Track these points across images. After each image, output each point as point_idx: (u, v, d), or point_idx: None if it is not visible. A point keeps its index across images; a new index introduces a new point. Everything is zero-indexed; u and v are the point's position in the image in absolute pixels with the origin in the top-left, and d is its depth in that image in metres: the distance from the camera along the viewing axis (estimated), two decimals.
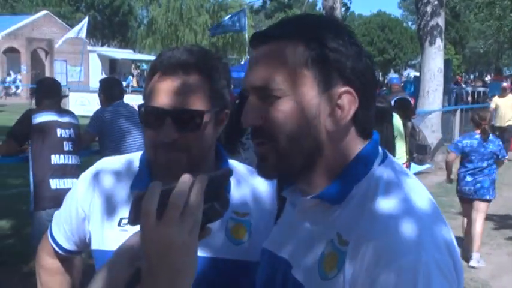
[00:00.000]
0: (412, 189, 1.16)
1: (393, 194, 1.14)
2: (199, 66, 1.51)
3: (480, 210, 7.15)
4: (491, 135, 7.21)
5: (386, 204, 1.12)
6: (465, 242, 7.28)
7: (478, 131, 7.06)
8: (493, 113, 13.75)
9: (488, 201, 7.19)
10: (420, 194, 1.16)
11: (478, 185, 7.08)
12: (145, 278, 1.00)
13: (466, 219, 7.40)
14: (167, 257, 0.97)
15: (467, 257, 6.94)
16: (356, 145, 1.21)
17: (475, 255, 7.01)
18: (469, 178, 7.11)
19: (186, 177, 1.00)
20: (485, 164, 7.04)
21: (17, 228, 6.12)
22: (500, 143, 7.35)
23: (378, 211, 1.11)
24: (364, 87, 1.17)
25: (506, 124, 15.36)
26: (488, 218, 9.21)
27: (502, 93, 15.96)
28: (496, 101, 15.89)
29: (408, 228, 1.07)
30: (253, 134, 1.21)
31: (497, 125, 15.01)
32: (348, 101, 1.16)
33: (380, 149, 1.25)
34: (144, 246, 1.00)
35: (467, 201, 7.27)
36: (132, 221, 1.04)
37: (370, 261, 1.05)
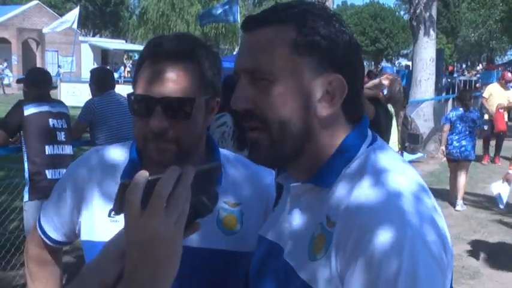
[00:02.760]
0: (398, 170, 1.17)
1: (379, 175, 1.15)
2: (189, 53, 1.50)
3: (464, 167, 9.30)
4: (471, 108, 9.44)
5: (372, 184, 1.13)
6: (451, 191, 9.56)
7: (460, 105, 9.40)
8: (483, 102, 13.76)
9: (470, 161, 9.45)
10: (407, 174, 1.17)
11: (463, 148, 9.17)
12: (127, 269, 0.98)
13: (453, 177, 9.46)
14: (150, 249, 0.95)
15: (453, 203, 9.28)
16: (345, 130, 1.23)
17: (459, 202, 9.18)
18: (456, 143, 9.17)
19: (173, 169, 1.00)
20: (467, 131, 9.16)
21: (8, 220, 6.10)
22: (479, 113, 9.80)
23: (364, 192, 1.12)
24: (353, 75, 1.20)
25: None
26: (481, 207, 9.31)
27: (500, 81, 14.01)
28: (491, 89, 13.89)
29: (394, 207, 1.08)
30: (244, 117, 1.21)
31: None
32: (338, 88, 1.18)
33: (369, 131, 1.27)
34: (127, 237, 0.98)
35: (453, 161, 9.35)
36: (117, 210, 1.02)
37: (355, 240, 1.06)
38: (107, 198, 1.61)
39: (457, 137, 9.17)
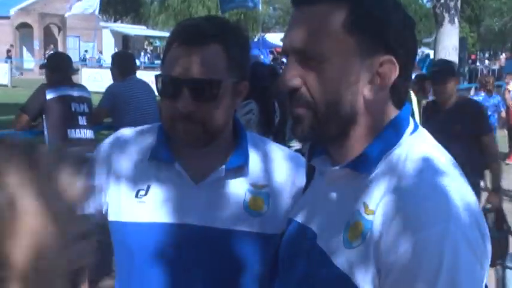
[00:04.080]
0: (441, 161, 1.14)
1: (422, 165, 1.12)
2: (218, 35, 1.49)
3: None
4: (493, 93, 10.11)
5: (414, 175, 1.10)
6: None
7: (483, 91, 10.06)
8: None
9: None
10: (450, 166, 1.14)
11: None
12: None
13: None
14: None
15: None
16: (390, 114, 1.19)
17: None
18: None
19: None
20: (489, 113, 9.22)
21: None
22: (499, 98, 10.40)
23: (407, 181, 1.10)
24: (405, 56, 1.16)
25: None
26: (505, 198, 9.22)
27: None
28: None
29: (437, 200, 1.06)
30: (290, 96, 1.19)
31: None
32: (388, 70, 1.14)
33: (411, 119, 1.23)
34: None
35: None
36: None
37: (397, 231, 1.04)
38: (134, 179, 1.62)
39: None
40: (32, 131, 5.37)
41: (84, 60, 33.34)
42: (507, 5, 34.59)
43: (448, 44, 14.52)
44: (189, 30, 1.50)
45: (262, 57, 13.70)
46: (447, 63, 5.80)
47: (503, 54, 45.41)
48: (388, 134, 1.17)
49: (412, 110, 5.49)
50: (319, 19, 1.14)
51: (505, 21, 42.45)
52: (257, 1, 17.93)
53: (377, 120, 1.18)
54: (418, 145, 1.17)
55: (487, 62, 39.01)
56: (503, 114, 10.47)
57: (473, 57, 39.39)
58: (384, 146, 1.17)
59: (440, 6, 14.56)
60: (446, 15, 14.44)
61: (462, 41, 17.14)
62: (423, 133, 1.22)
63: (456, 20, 14.58)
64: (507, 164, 11.56)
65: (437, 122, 4.74)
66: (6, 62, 31.21)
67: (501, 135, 12.73)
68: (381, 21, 1.13)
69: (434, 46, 16.82)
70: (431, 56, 16.96)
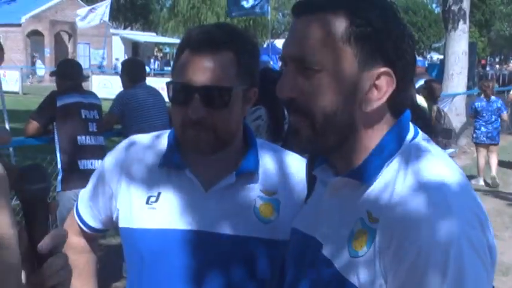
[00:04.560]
0: (443, 166, 1.14)
1: (424, 171, 1.12)
2: (228, 43, 1.50)
3: (494, 150, 10.62)
4: (492, 96, 10.54)
5: (417, 180, 1.10)
6: (478, 171, 10.70)
7: (483, 95, 10.58)
8: None
9: (497, 144, 10.71)
10: (452, 171, 1.14)
11: (489, 134, 10.46)
12: None
13: (482, 159, 10.62)
14: None
15: (486, 182, 10.53)
16: (388, 124, 1.19)
17: (494, 174, 10.42)
18: (483, 129, 10.45)
19: None
20: (493, 118, 10.42)
21: None
22: (501, 101, 10.85)
23: (409, 187, 1.09)
24: (404, 68, 1.15)
25: None
26: None
27: None
28: None
29: (440, 204, 1.05)
30: (287, 106, 1.19)
31: None
32: (386, 83, 1.14)
33: (411, 125, 1.23)
34: None
35: (482, 146, 10.57)
36: None
37: (401, 237, 1.04)
38: (144, 185, 1.62)
39: (483, 123, 10.46)
40: (42, 138, 5.38)
41: (100, 67, 33.54)
42: None
43: (457, 49, 14.49)
44: (200, 37, 1.51)
45: (271, 63, 13.70)
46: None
47: None
48: (388, 143, 1.17)
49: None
50: (319, 28, 1.14)
51: None
52: (266, 8, 17.97)
53: (376, 129, 1.18)
54: (417, 151, 1.17)
55: (497, 66, 38.82)
56: (505, 116, 10.83)
57: (483, 62, 39.22)
58: (385, 154, 1.17)
59: (449, 11, 14.53)
60: (455, 20, 14.41)
61: (472, 46, 17.10)
62: (424, 138, 1.22)
63: (466, 25, 14.56)
64: None
65: None
66: (31, 68, 31.37)
67: (503, 144, 12.66)
68: (380, 32, 1.12)
69: (444, 51, 16.78)
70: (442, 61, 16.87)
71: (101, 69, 31.15)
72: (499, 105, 10.60)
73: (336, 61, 1.13)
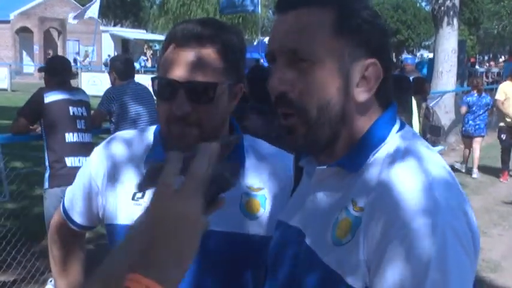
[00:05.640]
0: (428, 157, 1.15)
1: (409, 161, 1.12)
2: (214, 38, 1.49)
3: (478, 142, 11.12)
4: (483, 92, 11.27)
5: (402, 170, 1.11)
6: (464, 161, 11.51)
7: (475, 91, 11.10)
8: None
9: (483, 136, 11.25)
10: (436, 162, 1.15)
11: (477, 126, 10.97)
12: (146, 247, 0.94)
13: (467, 150, 11.39)
14: (177, 229, 0.93)
15: (470, 172, 11.16)
16: (376, 114, 1.20)
17: (475, 170, 11.04)
18: (471, 122, 10.95)
19: (205, 146, 0.98)
20: (481, 111, 10.92)
21: (28, 208, 6.15)
22: (489, 97, 11.43)
23: (394, 177, 1.10)
24: (387, 59, 1.18)
25: None
26: (501, 199, 9.23)
27: None
28: (504, 89, 11.03)
29: (424, 195, 1.06)
30: (278, 102, 1.18)
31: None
32: (374, 73, 1.16)
33: (398, 117, 1.24)
34: (153, 216, 0.95)
35: (468, 137, 11.18)
36: (142, 187, 1.02)
37: (385, 226, 1.05)
38: (130, 182, 1.62)
39: (472, 117, 10.94)
40: (30, 135, 5.36)
41: (75, 61, 33.00)
42: (506, 8, 34.62)
43: (447, 46, 14.55)
44: (186, 33, 1.49)
45: (262, 60, 13.70)
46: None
47: (503, 57, 45.44)
48: (374, 133, 1.18)
49: (412, 111, 5.48)
50: (310, 21, 1.14)
51: (504, 25, 42.49)
52: (256, 5, 17.94)
53: (365, 121, 1.19)
54: (404, 142, 1.18)
55: (487, 64, 39.07)
56: (491, 111, 11.37)
57: (472, 60, 39.41)
58: (371, 144, 1.18)
59: (439, 9, 14.59)
60: (445, 18, 14.47)
61: (461, 44, 17.17)
62: (409, 130, 1.24)
63: (455, 23, 14.62)
64: (502, 182, 10.75)
65: None
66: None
67: (492, 141, 12.76)
68: (367, 25, 1.15)
69: (433, 49, 16.84)
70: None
71: (74, 64, 30.69)
72: (488, 100, 11.12)
73: (328, 53, 1.14)
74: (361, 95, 1.16)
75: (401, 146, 1.17)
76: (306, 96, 1.14)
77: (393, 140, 1.18)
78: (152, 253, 0.93)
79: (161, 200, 0.95)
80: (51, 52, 33.94)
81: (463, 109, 11.14)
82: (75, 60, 33.99)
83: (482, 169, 11.38)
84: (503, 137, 10.86)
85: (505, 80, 12.13)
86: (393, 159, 1.14)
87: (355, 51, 1.14)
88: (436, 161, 1.15)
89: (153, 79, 1.53)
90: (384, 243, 1.04)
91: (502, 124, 10.96)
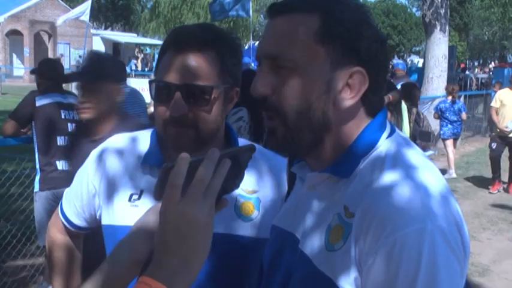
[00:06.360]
0: (418, 163, 1.16)
1: (400, 167, 1.14)
2: (211, 42, 1.52)
3: (451, 144, 11.65)
4: (456, 100, 11.70)
5: (392, 176, 1.12)
6: (451, 165, 11.70)
7: (450, 98, 11.61)
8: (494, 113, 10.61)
9: (458, 137, 12.16)
10: (427, 167, 1.16)
11: (455, 130, 11.65)
12: (158, 253, 0.97)
13: (450, 152, 11.67)
14: (186, 234, 0.95)
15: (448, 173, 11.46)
16: (364, 122, 1.21)
17: (452, 171, 11.57)
18: (449, 126, 11.56)
19: (214, 151, 1.00)
20: (455, 118, 11.52)
21: (18, 211, 6.13)
22: (462, 103, 12.15)
23: (384, 183, 1.11)
24: (376, 69, 1.18)
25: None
26: (490, 204, 9.29)
27: None
28: (501, 96, 10.79)
29: (414, 200, 1.07)
30: (261, 105, 1.20)
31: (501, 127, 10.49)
32: (358, 81, 1.16)
33: (388, 123, 1.25)
34: (162, 221, 0.97)
35: (448, 140, 11.63)
36: (158, 195, 1.01)
37: (376, 231, 1.06)
38: (127, 183, 1.64)
39: (448, 122, 11.55)
40: (20, 137, 5.34)
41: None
42: (496, 14, 34.85)
43: (437, 52, 14.62)
44: (184, 37, 1.52)
45: (253, 65, 13.71)
46: None
47: (492, 63, 45.66)
48: (363, 140, 1.19)
49: (402, 116, 5.52)
50: (292, 27, 1.16)
51: (494, 31, 42.74)
52: (248, 9, 17.95)
53: (351, 127, 1.20)
54: (395, 148, 1.19)
55: (477, 70, 39.30)
56: (464, 116, 11.76)
57: (462, 65, 39.62)
58: (361, 151, 1.19)
59: (429, 15, 14.66)
60: (435, 24, 14.55)
61: (451, 49, 17.24)
62: (399, 136, 1.24)
63: (445, 28, 14.69)
64: (490, 193, 10.30)
65: None
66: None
67: (482, 146, 12.94)
68: (352, 32, 1.15)
69: (424, 54, 16.91)
70: (421, 65, 17.04)
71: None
72: (460, 106, 11.71)
73: (309, 60, 1.15)
74: (344, 102, 1.16)
75: (391, 151, 1.18)
76: (285, 101, 1.16)
77: (384, 146, 1.20)
78: (163, 257, 0.95)
79: (167, 204, 0.96)
80: (61, 55, 33.78)
81: (435, 115, 11.77)
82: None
83: (472, 174, 11.52)
84: (494, 146, 10.48)
85: (494, 86, 12.25)
86: (384, 165, 1.15)
87: (338, 59, 1.15)
88: (426, 166, 1.17)
89: (150, 82, 1.55)
90: (375, 248, 1.05)
91: (493, 134, 10.94)
